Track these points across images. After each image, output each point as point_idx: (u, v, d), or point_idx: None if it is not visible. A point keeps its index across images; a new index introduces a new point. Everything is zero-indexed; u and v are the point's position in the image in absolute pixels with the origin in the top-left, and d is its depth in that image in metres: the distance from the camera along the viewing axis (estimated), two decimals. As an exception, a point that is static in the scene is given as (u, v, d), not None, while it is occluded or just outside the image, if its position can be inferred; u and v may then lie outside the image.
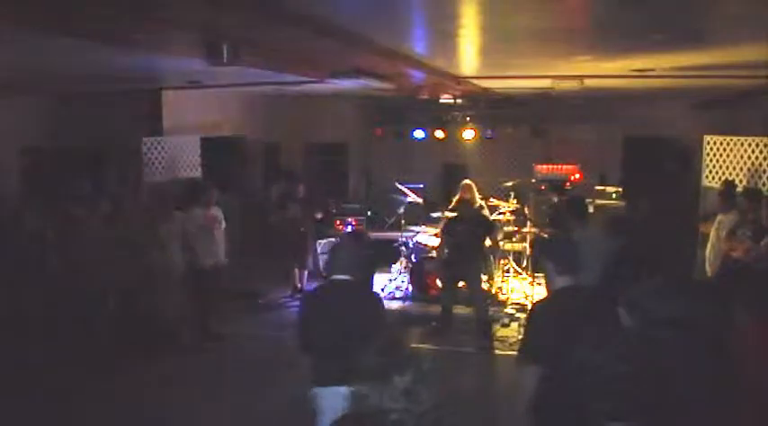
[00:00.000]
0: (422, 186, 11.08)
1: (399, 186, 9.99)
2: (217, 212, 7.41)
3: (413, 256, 9.36)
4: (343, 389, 3.46)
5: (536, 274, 8.25)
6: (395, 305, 8.83)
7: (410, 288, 9.15)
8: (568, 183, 10.17)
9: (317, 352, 3.88)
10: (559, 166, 10.36)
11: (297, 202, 9.03)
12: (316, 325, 3.87)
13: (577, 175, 10.22)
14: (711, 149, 8.30)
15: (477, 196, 9.09)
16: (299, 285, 9.05)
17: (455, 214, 7.96)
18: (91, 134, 8.12)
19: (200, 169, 8.98)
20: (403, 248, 9.51)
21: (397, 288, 9.30)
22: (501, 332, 7.86)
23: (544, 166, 10.50)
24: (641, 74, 6.50)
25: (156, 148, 8.50)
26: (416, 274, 9.10)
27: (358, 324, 3.69)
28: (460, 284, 7.87)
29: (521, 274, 9.65)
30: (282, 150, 12.07)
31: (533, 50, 5.44)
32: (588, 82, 7.36)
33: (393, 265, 9.54)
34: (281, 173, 11.84)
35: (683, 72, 6.45)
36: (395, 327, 6.48)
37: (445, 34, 4.61)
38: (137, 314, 6.97)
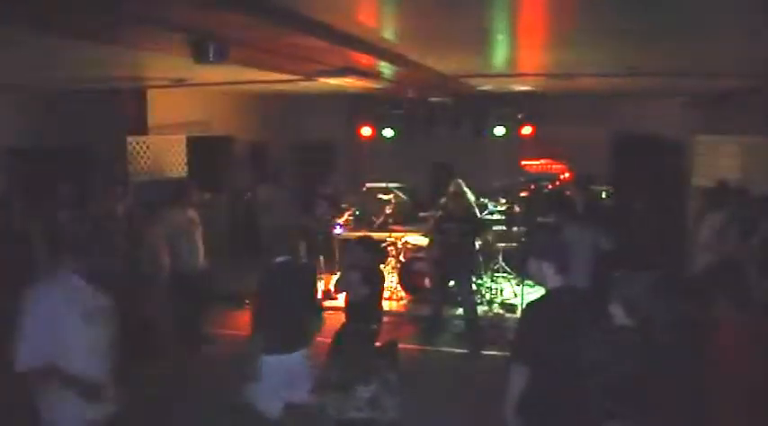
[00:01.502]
0: (409, 186, 11.08)
1: (387, 186, 9.97)
2: (193, 214, 7.36)
3: (401, 256, 9.35)
4: (286, 357, 4.50)
5: (521, 275, 8.26)
6: (385, 305, 8.81)
7: (398, 288, 9.14)
8: (558, 182, 10.21)
9: (266, 325, 4.67)
10: (549, 165, 10.39)
11: (326, 200, 8.87)
12: (265, 302, 4.74)
13: (567, 174, 10.25)
14: (702, 148, 8.36)
15: (468, 195, 9.10)
16: (330, 289, 8.67)
17: (444, 212, 7.96)
18: (74, 134, 8.04)
19: (186, 169, 8.92)
20: (391, 248, 9.50)
21: (386, 289, 9.26)
22: (490, 332, 7.86)
23: (533, 165, 10.53)
24: (632, 71, 6.52)
25: (141, 148, 8.44)
26: (405, 274, 9.09)
27: (298, 297, 4.63)
28: (450, 283, 7.88)
29: (510, 274, 9.67)
30: (270, 150, 12.03)
31: (523, 47, 5.45)
32: (579, 80, 7.38)
33: (381, 265, 9.51)
34: (269, 173, 11.81)
35: (673, 69, 6.48)
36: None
37: (436, 32, 4.60)
38: (123, 318, 6.89)
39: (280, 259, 4.81)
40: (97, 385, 3.38)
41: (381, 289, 6.14)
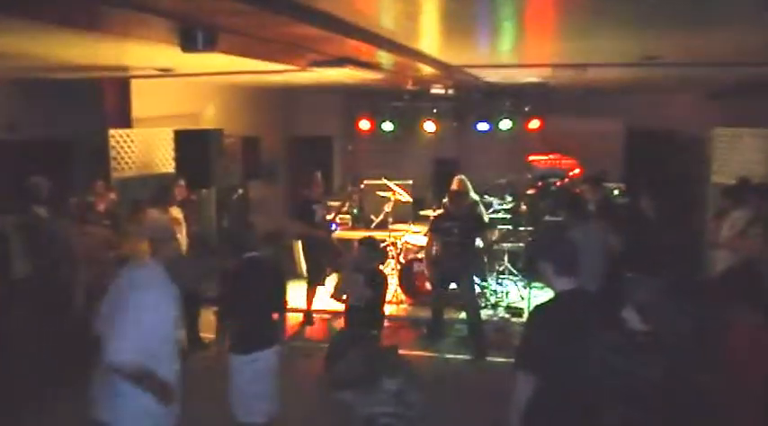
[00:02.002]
0: (410, 182, 11.08)
1: (387, 182, 9.97)
2: (178, 213, 7.35)
3: (401, 257, 9.35)
4: (251, 356, 4.73)
5: (528, 277, 8.26)
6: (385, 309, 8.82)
7: (398, 290, 9.13)
8: (567, 179, 10.20)
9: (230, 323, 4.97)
10: (558, 161, 10.37)
11: (319, 203, 8.75)
12: (229, 298, 5.01)
13: (577, 170, 10.24)
14: (721, 142, 8.33)
15: (471, 192, 9.11)
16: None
17: (444, 211, 7.95)
18: (53, 126, 8.01)
19: (173, 164, 8.89)
20: (391, 248, 9.49)
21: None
22: (495, 337, 7.86)
23: (541, 161, 10.52)
24: (648, 62, 6.50)
25: (124, 142, 8.41)
26: (405, 276, 9.09)
27: (264, 295, 4.85)
28: (452, 286, 7.87)
29: (516, 276, 9.66)
30: (262, 144, 12.01)
31: (531, 35, 5.43)
32: (591, 70, 7.37)
33: (381, 266, 9.51)
34: (261, 170, 11.80)
35: (692, 59, 6.45)
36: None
37: (435, 19, 4.59)
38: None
39: (248, 254, 4.90)
40: (173, 389, 3.53)
41: (385, 292, 6.15)
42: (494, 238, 9.15)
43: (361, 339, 5.96)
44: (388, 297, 9.02)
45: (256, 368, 4.74)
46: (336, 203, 9.54)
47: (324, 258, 8.63)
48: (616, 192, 9.66)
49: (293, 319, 8.54)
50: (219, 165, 8.81)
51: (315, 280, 8.54)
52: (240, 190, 10.78)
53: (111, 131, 8.23)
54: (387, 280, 6.24)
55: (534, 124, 11.43)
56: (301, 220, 8.60)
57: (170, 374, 3.59)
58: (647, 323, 2.62)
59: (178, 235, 7.23)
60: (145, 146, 8.72)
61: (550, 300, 3.44)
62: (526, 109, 11.39)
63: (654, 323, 2.61)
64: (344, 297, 6.06)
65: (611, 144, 11.50)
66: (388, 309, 8.75)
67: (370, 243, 6.09)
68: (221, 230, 10.28)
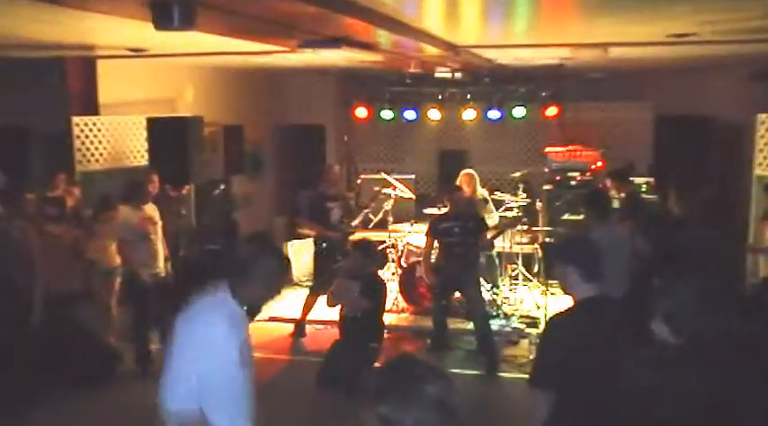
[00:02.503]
0: (413, 177, 11.06)
1: (386, 177, 9.95)
2: (153, 211, 7.32)
3: (402, 260, 9.33)
4: None
5: (549, 282, 8.24)
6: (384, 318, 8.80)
7: (399, 298, 9.11)
8: (588, 173, 10.19)
9: None
10: (578, 152, 10.36)
11: (336, 201, 8.53)
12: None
13: (599, 163, 10.22)
14: (766, 130, 8.29)
15: (480, 188, 9.09)
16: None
17: (447, 209, 7.92)
18: (9, 111, 7.95)
19: (146, 156, 8.87)
20: (391, 251, 9.47)
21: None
22: (508, 350, 7.85)
23: (559, 153, 10.50)
24: (680, 39, 6.47)
25: (90, 130, 8.38)
26: (407, 282, 9.07)
27: None
28: (457, 294, 7.86)
29: (531, 281, 9.64)
30: (247, 134, 11.99)
31: (546, 11, 5.41)
32: (614, 50, 7.34)
33: (380, 271, 9.49)
34: (246, 163, 11.77)
35: (732, 36, 6.41)
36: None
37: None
38: (68, 334, 6.85)
39: (211, 246, 4.89)
40: None
41: (383, 301, 6.13)
42: (507, 239, 9.12)
43: (356, 352, 5.94)
44: (388, 305, 9.05)
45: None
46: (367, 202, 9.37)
47: (335, 264, 8.12)
48: (644, 188, 9.64)
49: (281, 330, 8.53)
50: (199, 157, 8.78)
51: (318, 288, 8.14)
52: (222, 186, 10.76)
53: (75, 118, 8.19)
54: (385, 288, 6.22)
55: (551, 111, 11.42)
56: (313, 219, 8.43)
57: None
58: (678, 335, 2.59)
59: (152, 236, 7.22)
60: (113, 136, 8.69)
61: (570, 309, 3.41)
62: (542, 94, 11.38)
63: (686, 334, 2.58)
64: (339, 305, 6.04)
65: (638, 133, 11.47)
66: (388, 319, 8.74)
67: (364, 246, 6.07)
68: (201, 231, 10.27)
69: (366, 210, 9.44)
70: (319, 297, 8.08)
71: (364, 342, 5.87)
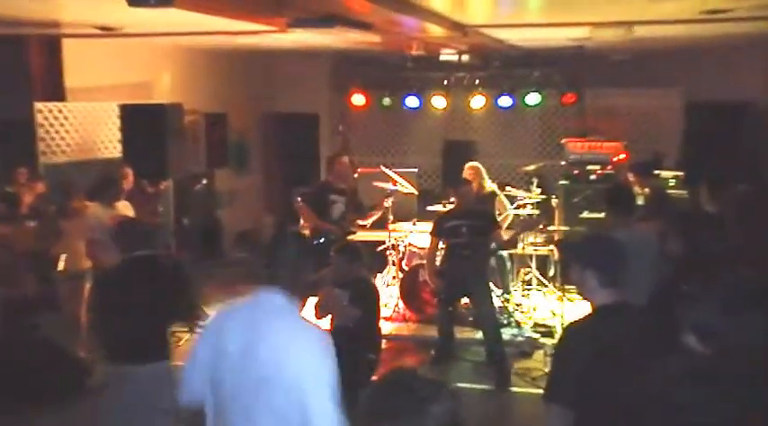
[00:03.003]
0: (415, 171, 11.05)
1: (386, 171, 9.94)
2: (126, 209, 7.31)
3: (404, 263, 9.32)
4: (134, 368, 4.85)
5: (566, 287, 8.25)
6: (383, 327, 8.80)
7: (401, 304, 9.11)
8: (610, 166, 10.17)
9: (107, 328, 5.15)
10: (599, 144, 10.34)
11: (342, 196, 8.41)
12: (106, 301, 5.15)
13: (622, 155, 10.21)
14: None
15: (488, 182, 9.09)
16: None
17: (451, 207, 7.92)
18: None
19: (119, 147, 8.86)
20: (391, 252, 9.46)
21: (384, 304, 9.22)
22: (521, 363, 7.84)
23: (578, 144, 10.49)
24: (713, 17, 6.45)
25: (55, 118, 8.36)
26: (409, 286, 9.06)
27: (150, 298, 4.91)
28: (464, 301, 7.84)
29: (546, 286, 9.63)
30: (232, 123, 12.00)
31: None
32: (639, 29, 7.33)
33: (379, 274, 9.51)
34: (231, 155, 11.77)
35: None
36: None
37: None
38: (29, 345, 6.85)
39: (138, 253, 5.00)
40: None
41: (377, 308, 6.12)
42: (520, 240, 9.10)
43: (352, 365, 5.93)
44: (388, 312, 9.04)
45: (140, 385, 4.81)
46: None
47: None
48: (672, 183, 9.63)
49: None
50: (178, 149, 8.75)
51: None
52: (204, 181, 10.76)
53: (38, 105, 8.17)
54: (377, 293, 6.20)
55: (569, 98, 11.41)
56: (311, 210, 8.37)
57: None
58: (707, 346, 2.58)
59: None
60: (82, 124, 8.68)
61: (588, 316, 3.40)
62: (559, 80, 11.36)
63: (716, 345, 2.57)
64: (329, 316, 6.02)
65: (666, 122, 11.48)
66: (388, 327, 8.74)
67: (346, 250, 6.04)
68: (181, 230, 10.27)
69: (371, 216, 9.36)
70: (307, 299, 8.04)
71: (360, 354, 5.85)
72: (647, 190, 7.95)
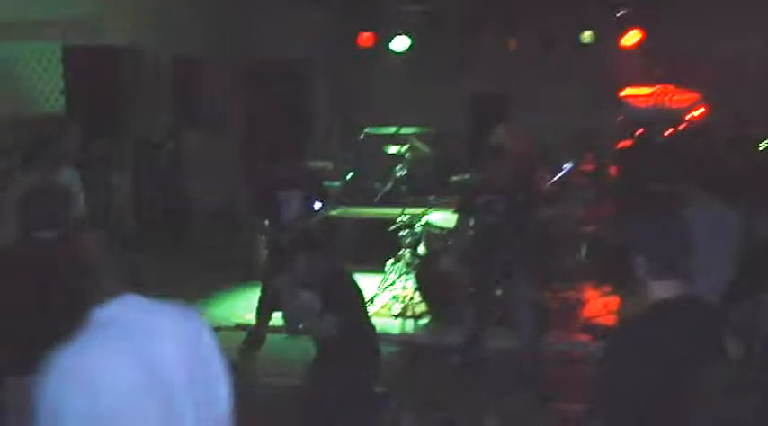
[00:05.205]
0: (435, 131, 11.07)
1: (398, 132, 9.98)
2: (71, 178, 7.33)
3: (420, 247, 9.34)
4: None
5: (616, 279, 8.26)
6: (394, 327, 8.89)
7: (417, 298, 9.15)
8: (684, 124, 10.15)
9: None
10: (669, 96, 10.33)
11: (298, 190, 8.34)
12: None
13: (701, 110, 10.19)
14: None
15: (523, 148, 9.08)
16: None
17: (483, 178, 7.93)
18: None
19: (61, 100, 8.91)
20: (405, 233, 9.47)
21: (395, 299, 9.29)
22: (563, 371, 7.88)
23: (642, 97, 10.47)
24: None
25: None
26: (427, 277, 9.09)
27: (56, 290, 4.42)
28: (497, 292, 7.86)
29: (597, 277, 9.62)
30: (204, 72, 12.02)
31: None
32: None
33: (389, 261, 9.53)
34: (202, 111, 11.80)
35: None
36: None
37: None
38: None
39: (45, 234, 4.83)
40: None
41: (358, 307, 6.12)
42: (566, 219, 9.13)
43: (354, 376, 5.97)
44: (398, 308, 9.08)
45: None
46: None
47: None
48: (764, 146, 9.58)
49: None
50: (137, 103, 8.79)
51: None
52: (170, 143, 10.80)
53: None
54: (355, 284, 6.14)
55: (631, 38, 11.36)
56: (258, 215, 8.38)
57: None
58: (746, 349, 2.61)
59: None
60: (13, 71, 8.72)
61: (643, 316, 3.41)
62: (618, 14, 11.31)
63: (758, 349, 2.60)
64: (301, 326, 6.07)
65: (758, 71, 11.40)
66: (400, 327, 8.79)
67: (311, 244, 6.06)
68: (141, 203, 10.34)
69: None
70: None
71: (352, 368, 5.86)
72: (733, 157, 7.91)
